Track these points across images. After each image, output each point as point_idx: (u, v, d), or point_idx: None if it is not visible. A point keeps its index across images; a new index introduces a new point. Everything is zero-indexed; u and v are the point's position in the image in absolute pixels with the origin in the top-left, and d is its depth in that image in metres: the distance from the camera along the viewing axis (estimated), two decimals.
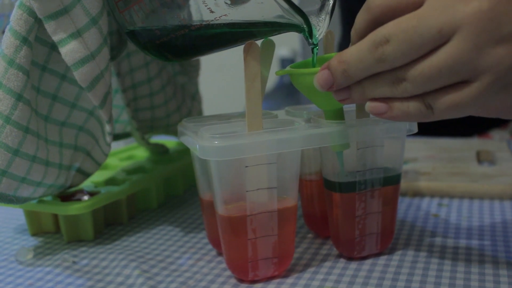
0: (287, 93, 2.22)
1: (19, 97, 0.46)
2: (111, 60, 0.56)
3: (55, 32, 0.46)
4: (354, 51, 0.38)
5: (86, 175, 0.57)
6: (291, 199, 0.44)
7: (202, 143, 0.41)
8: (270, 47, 0.45)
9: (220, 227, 0.44)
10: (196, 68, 0.71)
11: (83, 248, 0.54)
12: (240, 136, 0.41)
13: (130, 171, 0.64)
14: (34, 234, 0.58)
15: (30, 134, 0.48)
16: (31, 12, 0.46)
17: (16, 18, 0.46)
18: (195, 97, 0.73)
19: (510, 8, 0.35)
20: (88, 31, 0.47)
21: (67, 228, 0.55)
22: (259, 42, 0.43)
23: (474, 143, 0.81)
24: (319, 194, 0.51)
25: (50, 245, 0.55)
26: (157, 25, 0.47)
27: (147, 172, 0.63)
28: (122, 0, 0.47)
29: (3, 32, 0.48)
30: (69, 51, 0.47)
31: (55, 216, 0.58)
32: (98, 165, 0.57)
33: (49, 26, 0.46)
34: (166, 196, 0.67)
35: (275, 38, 0.46)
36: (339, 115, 0.45)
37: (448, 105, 0.37)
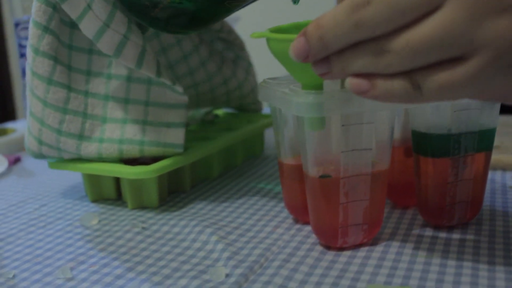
0: None
1: (49, 82, 0.50)
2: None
3: (71, 11, 0.48)
4: (331, 14, 0.32)
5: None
6: (384, 163, 0.42)
7: (298, 99, 0.39)
8: None
9: (309, 191, 0.42)
10: (240, 46, 0.70)
11: (150, 215, 0.52)
12: (339, 92, 0.39)
13: (193, 138, 0.61)
14: (94, 201, 0.56)
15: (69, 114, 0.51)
16: (48, 3, 0.49)
17: (36, 10, 0.49)
18: (249, 70, 0.71)
19: None
20: (94, 1, 0.48)
21: (131, 193, 0.53)
22: None
23: None
24: (401, 161, 0.49)
25: (113, 211, 0.53)
26: None
27: (210, 140, 0.60)
28: None
29: None
30: (86, 24, 0.48)
31: (117, 182, 0.55)
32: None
33: (65, 7, 0.48)
34: (225, 166, 0.65)
35: None
36: None
37: (440, 85, 0.31)
